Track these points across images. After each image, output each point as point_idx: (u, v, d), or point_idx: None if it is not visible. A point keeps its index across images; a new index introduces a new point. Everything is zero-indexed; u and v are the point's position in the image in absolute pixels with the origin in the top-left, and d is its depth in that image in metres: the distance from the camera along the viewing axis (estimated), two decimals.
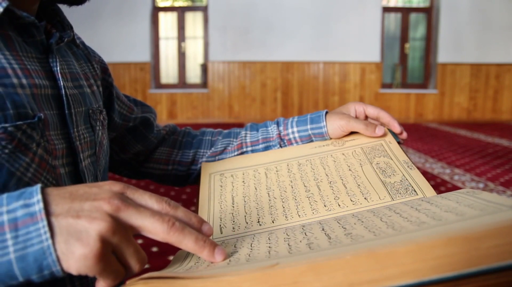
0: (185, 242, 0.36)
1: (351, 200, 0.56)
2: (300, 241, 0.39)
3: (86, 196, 0.35)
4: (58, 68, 0.50)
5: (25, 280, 0.32)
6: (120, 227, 0.34)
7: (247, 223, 0.55)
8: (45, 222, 0.32)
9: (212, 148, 0.76)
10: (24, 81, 0.45)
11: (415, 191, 0.55)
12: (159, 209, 0.37)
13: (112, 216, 0.34)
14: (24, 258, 0.32)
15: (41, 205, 0.33)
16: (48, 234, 0.32)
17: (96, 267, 0.32)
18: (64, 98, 0.50)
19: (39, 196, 0.33)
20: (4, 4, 0.43)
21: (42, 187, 0.34)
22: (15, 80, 0.43)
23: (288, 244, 0.39)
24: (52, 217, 0.33)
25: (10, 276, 0.32)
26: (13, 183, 0.41)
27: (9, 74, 0.43)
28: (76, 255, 0.32)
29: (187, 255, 0.44)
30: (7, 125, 0.41)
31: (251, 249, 0.40)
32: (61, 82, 0.50)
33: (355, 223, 0.42)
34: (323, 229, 0.42)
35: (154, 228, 0.35)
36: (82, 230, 0.32)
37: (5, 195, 0.34)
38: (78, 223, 0.33)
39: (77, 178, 0.51)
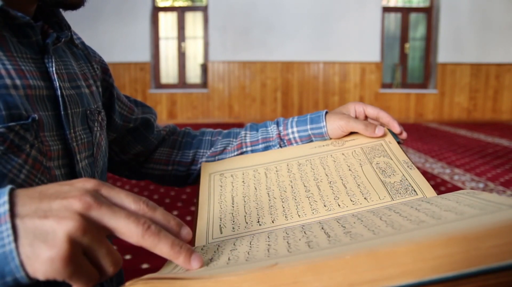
0: (160, 246, 0.34)
1: (351, 200, 0.56)
2: (299, 240, 0.39)
3: (56, 194, 0.32)
4: (53, 69, 0.50)
5: None
6: (91, 226, 0.32)
7: (247, 223, 0.55)
8: (9, 225, 0.30)
9: (212, 148, 0.76)
10: (17, 82, 0.44)
11: (415, 191, 0.55)
12: (136, 210, 0.35)
13: (82, 215, 0.31)
14: None
15: (6, 207, 0.31)
16: (11, 237, 0.30)
17: (65, 270, 0.30)
18: (60, 98, 0.50)
19: (6, 197, 0.31)
20: None
21: (13, 188, 0.32)
22: (8, 81, 0.43)
23: (287, 242, 0.39)
24: (17, 219, 0.31)
25: None
26: (5, 184, 0.41)
27: (2, 75, 0.43)
28: (42, 258, 0.30)
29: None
30: None
31: (250, 247, 0.40)
32: (57, 82, 0.50)
33: (354, 222, 0.42)
34: (322, 228, 0.42)
35: (128, 230, 0.33)
36: (49, 231, 0.30)
37: None
38: (45, 223, 0.30)
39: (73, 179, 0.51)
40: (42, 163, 0.45)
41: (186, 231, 0.37)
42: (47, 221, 0.30)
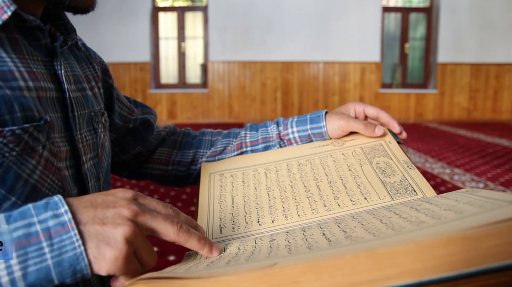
0: (191, 241, 0.41)
1: (350, 200, 0.56)
2: (301, 246, 0.39)
3: (106, 204, 0.38)
4: (62, 71, 0.51)
5: (59, 283, 0.35)
6: (139, 229, 0.38)
7: (247, 223, 0.55)
8: (76, 231, 0.36)
9: (212, 148, 0.76)
10: (30, 84, 0.45)
11: (414, 191, 0.55)
12: (166, 214, 0.42)
13: (132, 220, 0.38)
14: (60, 263, 0.35)
15: (69, 215, 0.36)
16: (80, 241, 0.35)
17: (124, 267, 0.36)
18: (68, 101, 0.51)
19: (66, 207, 0.36)
20: (12, 8, 0.43)
21: (64, 197, 0.37)
22: (22, 83, 0.44)
23: (289, 248, 0.39)
24: (80, 225, 0.36)
25: (48, 280, 0.35)
26: (20, 185, 0.42)
27: (16, 77, 0.43)
28: (107, 258, 0.36)
29: (188, 257, 0.45)
30: (14, 127, 0.41)
31: (252, 254, 0.41)
32: (65, 85, 0.51)
33: (355, 226, 0.42)
34: (323, 234, 0.42)
35: (166, 230, 0.40)
36: (109, 236, 0.36)
37: (30, 206, 0.36)
38: (104, 229, 0.37)
39: (80, 180, 0.52)
40: (53, 164, 0.46)
41: (202, 230, 0.46)
42: (106, 227, 0.37)
